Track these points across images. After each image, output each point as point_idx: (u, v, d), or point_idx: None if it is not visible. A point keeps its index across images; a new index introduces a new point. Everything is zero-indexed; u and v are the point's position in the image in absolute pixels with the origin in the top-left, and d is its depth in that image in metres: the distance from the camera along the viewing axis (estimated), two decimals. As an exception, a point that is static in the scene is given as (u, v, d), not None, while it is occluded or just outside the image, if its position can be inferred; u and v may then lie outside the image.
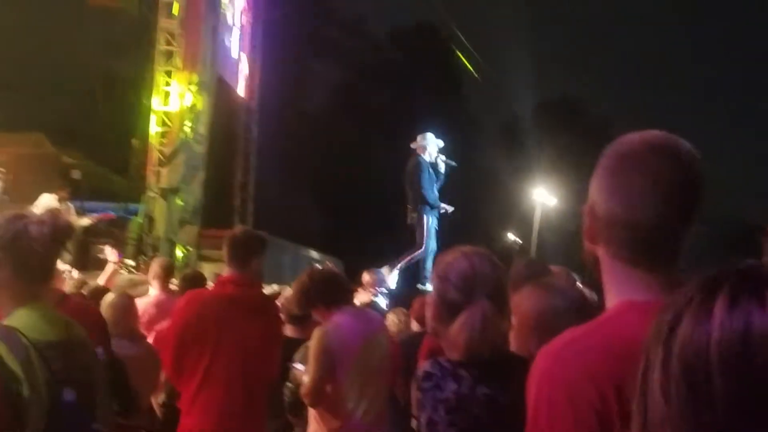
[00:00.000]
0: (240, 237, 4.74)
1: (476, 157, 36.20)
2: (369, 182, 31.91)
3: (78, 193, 15.31)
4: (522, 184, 33.83)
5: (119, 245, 15.61)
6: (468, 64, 25.98)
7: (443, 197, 11.11)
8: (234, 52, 18.28)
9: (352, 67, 35.59)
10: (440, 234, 10.90)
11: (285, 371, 4.83)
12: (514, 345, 2.63)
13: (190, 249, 16.25)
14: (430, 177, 10.88)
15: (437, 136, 11.18)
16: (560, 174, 32.47)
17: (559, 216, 33.61)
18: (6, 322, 2.53)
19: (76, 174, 16.94)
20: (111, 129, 18.70)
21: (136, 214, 16.27)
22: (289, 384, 4.83)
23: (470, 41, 24.36)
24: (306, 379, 4.46)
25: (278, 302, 6.11)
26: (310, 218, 29.61)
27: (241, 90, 19.04)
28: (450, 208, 11.12)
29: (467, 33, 24.45)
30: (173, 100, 16.22)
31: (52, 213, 2.74)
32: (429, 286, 9.73)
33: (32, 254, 2.56)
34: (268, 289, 7.98)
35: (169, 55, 16.53)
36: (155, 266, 7.50)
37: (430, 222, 10.85)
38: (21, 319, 2.52)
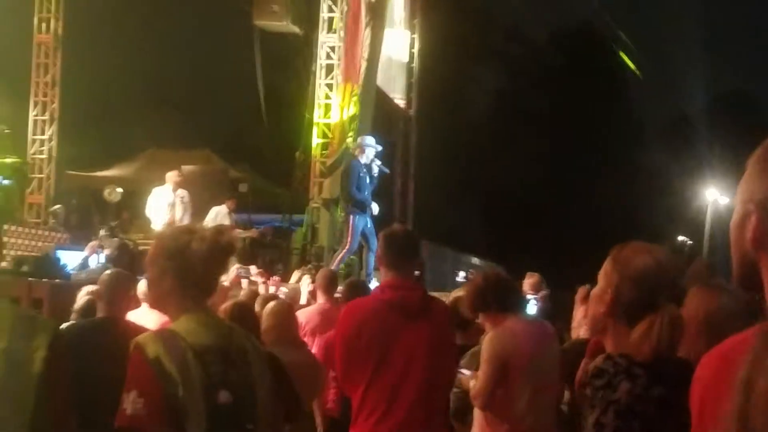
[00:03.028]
0: (397, 235, 4.43)
1: (642, 157, 35.12)
2: (530, 187, 31.51)
3: (245, 205, 15.84)
4: (692, 183, 32.55)
5: (284, 256, 16.05)
6: (631, 64, 25.23)
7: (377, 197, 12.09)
8: (392, 60, 18.42)
9: (512, 72, 35.29)
10: (377, 233, 11.17)
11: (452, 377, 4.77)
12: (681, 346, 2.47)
13: (353, 258, 16.47)
14: (361, 178, 11.48)
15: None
16: (733, 172, 31.02)
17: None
18: (170, 327, 2.63)
19: (242, 187, 17.56)
20: (275, 143, 19.25)
21: (300, 225, 16.65)
22: (455, 389, 4.76)
23: (633, 40, 23.65)
24: (475, 382, 4.38)
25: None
26: (470, 224, 29.51)
27: (399, 98, 19.18)
28: (376, 210, 11.80)
29: (629, 32, 23.75)
30: (334, 112, 16.53)
31: (218, 230, 2.82)
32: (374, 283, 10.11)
33: (192, 268, 2.68)
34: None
35: (330, 69, 16.89)
36: (319, 276, 7.65)
37: (357, 221, 11.49)
38: (182, 324, 2.62)
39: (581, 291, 6.91)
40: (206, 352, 2.57)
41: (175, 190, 13.67)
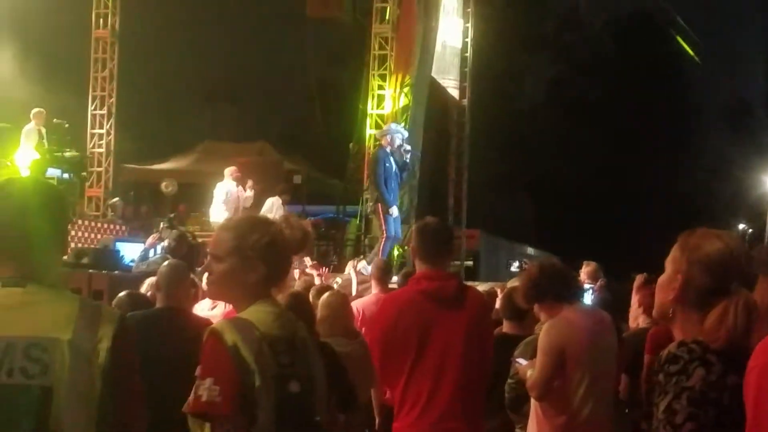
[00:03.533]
0: (431, 227, 4.41)
1: (701, 144, 34.54)
2: (585, 176, 31.20)
3: (298, 197, 15.95)
4: (752, 171, 31.94)
5: (338, 247, 16.12)
6: (689, 49, 24.78)
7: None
8: (446, 50, 18.35)
9: (566, 60, 34.91)
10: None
11: (505, 368, 4.74)
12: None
13: (406, 248, 16.47)
14: (386, 169, 11.38)
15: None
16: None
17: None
18: (241, 316, 2.63)
19: (296, 179, 17.67)
20: (329, 134, 19.34)
21: (353, 216, 16.69)
22: (510, 380, 4.74)
23: (690, 24, 23.23)
24: (531, 373, 4.35)
25: (497, 299, 6.04)
26: (524, 214, 29.34)
27: (452, 88, 19.11)
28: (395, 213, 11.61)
29: (686, 16, 23.33)
30: (387, 103, 16.53)
31: (288, 219, 2.84)
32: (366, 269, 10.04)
33: (284, 258, 2.72)
34: (483, 287, 7.93)
35: (383, 60, 16.87)
36: (373, 266, 7.70)
37: (388, 211, 11.44)
38: (255, 314, 2.61)
39: (638, 279, 6.83)
40: (277, 342, 2.58)
41: (237, 184, 13.95)
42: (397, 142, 11.77)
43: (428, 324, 4.22)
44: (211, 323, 4.94)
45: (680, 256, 2.37)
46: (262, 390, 2.49)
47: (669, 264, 2.40)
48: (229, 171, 14.15)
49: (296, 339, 2.67)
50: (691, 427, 2.19)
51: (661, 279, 2.42)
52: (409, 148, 12.06)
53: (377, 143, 11.74)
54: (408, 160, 11.96)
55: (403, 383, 4.21)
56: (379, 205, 11.55)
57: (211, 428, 2.47)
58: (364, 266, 11.14)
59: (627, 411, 6.08)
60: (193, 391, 2.49)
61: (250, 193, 14.80)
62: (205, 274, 3.04)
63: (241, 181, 14.44)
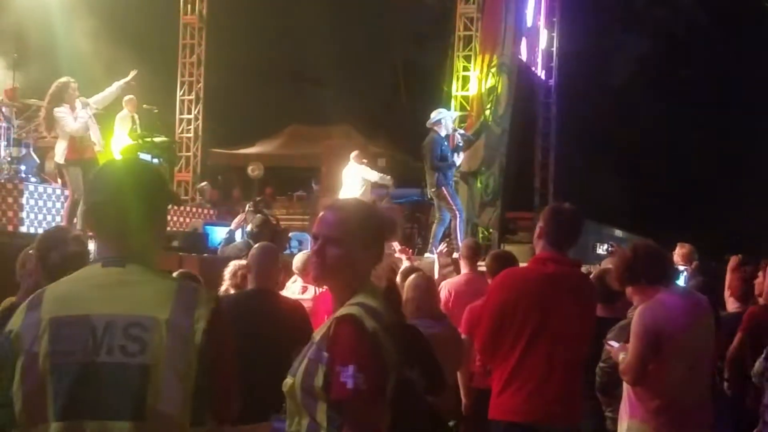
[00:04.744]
0: (567, 212, 4.46)
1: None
2: (676, 155, 30.45)
3: (390, 178, 15.90)
4: None
5: (423, 230, 16.09)
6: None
7: None
8: (532, 26, 18.08)
9: (659, 36, 34.01)
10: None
11: (597, 351, 4.67)
12: None
13: (492, 231, 16.35)
14: (442, 153, 11.60)
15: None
16: None
17: None
18: (364, 302, 2.59)
19: (381, 162, 17.68)
20: (413, 117, 19.26)
21: (439, 198, 16.62)
22: (602, 364, 4.67)
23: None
24: (624, 356, 4.28)
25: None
26: (613, 196, 28.80)
27: (538, 66, 18.86)
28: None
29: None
30: (472, 85, 16.40)
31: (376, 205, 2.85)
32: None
33: (384, 242, 2.71)
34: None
35: (468, 41, 16.74)
36: (463, 247, 7.68)
37: (450, 190, 11.72)
38: (374, 300, 2.60)
39: (732, 261, 6.64)
40: (394, 327, 2.58)
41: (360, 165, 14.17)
42: (450, 126, 11.93)
43: (548, 307, 4.30)
44: (302, 305, 5.02)
45: None
46: (392, 376, 2.51)
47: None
48: (354, 155, 14.34)
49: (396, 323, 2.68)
50: None
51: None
52: (462, 131, 12.27)
53: (432, 129, 11.81)
54: (461, 143, 12.17)
55: (515, 362, 4.26)
56: (443, 188, 11.64)
57: (351, 415, 2.44)
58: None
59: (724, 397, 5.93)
60: (331, 379, 2.45)
61: (388, 178, 14.90)
62: (300, 256, 3.03)
63: (361, 162, 14.59)
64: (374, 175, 14.08)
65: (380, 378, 2.46)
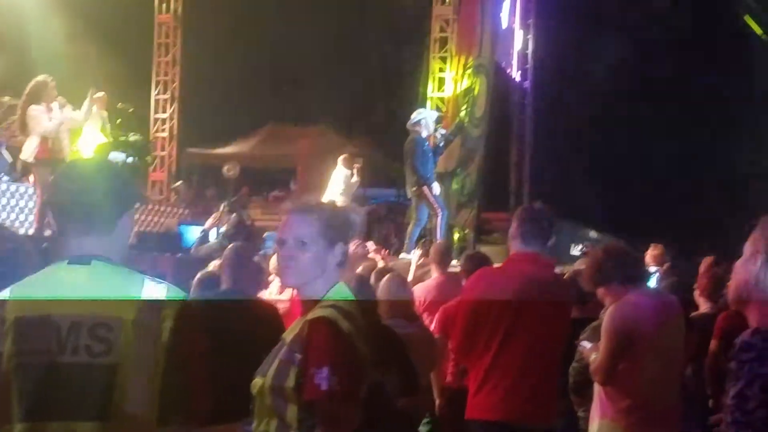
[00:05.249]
0: (539, 212, 4.55)
1: (770, 128, 33.69)
2: (650, 159, 30.69)
3: (360, 180, 15.93)
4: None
5: (399, 230, 16.10)
6: (757, 27, 24.13)
7: None
8: (507, 27, 18.13)
9: (631, 39, 34.25)
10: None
11: (570, 351, 4.69)
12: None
13: (468, 232, 16.39)
14: (424, 153, 11.47)
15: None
16: None
17: None
18: (335, 303, 2.58)
19: (358, 162, 17.68)
20: (390, 118, 19.28)
21: (415, 199, 16.64)
22: (575, 364, 4.70)
23: (762, 2, 22.60)
24: (595, 357, 4.30)
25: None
26: (588, 197, 28.96)
27: (513, 68, 18.94)
28: (437, 189, 11.69)
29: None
30: (448, 86, 16.42)
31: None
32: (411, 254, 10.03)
33: (345, 244, 2.71)
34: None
35: (444, 42, 16.76)
36: (433, 250, 7.66)
37: (434, 192, 11.53)
38: (345, 301, 2.61)
39: (705, 262, 6.69)
40: (368, 328, 2.60)
41: (350, 170, 14.27)
42: (431, 126, 11.88)
43: (522, 306, 4.33)
44: (275, 306, 5.00)
45: (760, 236, 2.30)
46: (364, 378, 2.51)
47: (748, 246, 2.33)
48: (342, 158, 14.42)
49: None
50: (762, 414, 2.13)
51: (738, 262, 2.35)
52: (444, 131, 12.26)
53: (413, 130, 11.79)
54: (441, 144, 12.16)
55: (490, 361, 4.27)
56: (425, 187, 11.64)
57: (324, 416, 2.44)
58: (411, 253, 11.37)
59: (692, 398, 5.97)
60: (304, 380, 2.45)
61: (356, 178, 14.99)
62: (273, 259, 3.02)
63: (348, 167, 14.70)
64: (354, 186, 14.27)
65: (354, 380, 2.46)
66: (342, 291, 2.63)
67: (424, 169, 11.56)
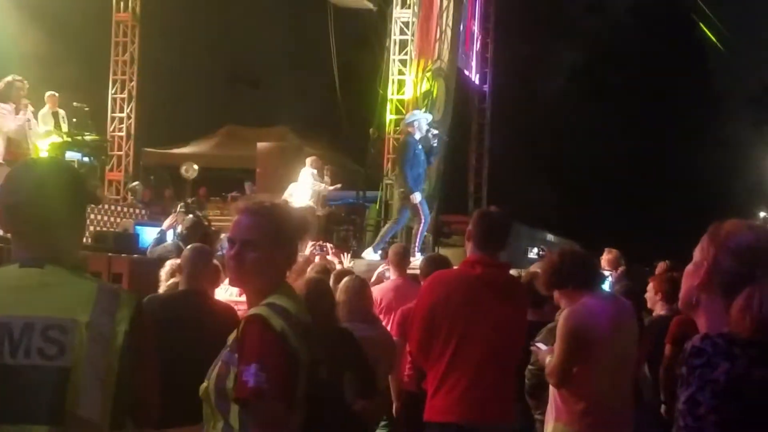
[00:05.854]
0: (494, 216, 4.57)
1: (724, 132, 34.25)
2: (606, 163, 31.03)
3: (330, 182, 15.91)
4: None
5: (358, 232, 16.11)
6: (711, 36, 24.50)
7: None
8: (467, 31, 18.23)
9: (589, 46, 34.65)
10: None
11: (526, 354, 4.73)
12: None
13: (427, 234, 16.44)
14: (416, 155, 11.47)
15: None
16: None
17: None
18: (274, 302, 2.57)
19: (328, 165, 17.66)
20: (350, 120, 19.27)
21: (374, 201, 16.66)
22: (531, 366, 4.73)
23: (714, 11, 22.96)
24: (550, 359, 4.33)
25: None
26: (546, 201, 29.21)
27: (473, 73, 19.02)
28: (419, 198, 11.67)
29: (710, 3, 23.03)
30: (407, 88, 16.47)
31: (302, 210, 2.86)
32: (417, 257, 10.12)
33: (297, 244, 2.70)
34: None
35: (404, 45, 16.81)
36: (391, 252, 7.64)
37: (419, 197, 11.57)
38: (286, 301, 2.59)
39: (660, 266, 6.79)
40: (308, 328, 2.57)
41: (317, 172, 14.30)
42: (424, 128, 11.81)
43: (477, 308, 4.36)
44: (232, 307, 4.97)
45: (708, 243, 2.32)
46: (301, 377, 2.49)
47: (697, 252, 2.36)
48: (310, 160, 14.36)
49: (311, 324, 2.65)
50: (714, 420, 2.15)
51: (688, 268, 2.38)
52: (436, 132, 12.22)
53: (406, 131, 11.76)
54: (435, 145, 12.09)
55: (447, 363, 4.29)
56: (414, 195, 11.62)
57: (253, 415, 2.42)
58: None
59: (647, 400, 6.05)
60: (236, 377, 2.44)
61: (327, 180, 14.97)
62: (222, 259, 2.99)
63: (320, 169, 14.66)
64: (319, 186, 14.22)
65: (285, 378, 2.43)
66: (283, 290, 2.62)
67: (413, 173, 11.50)
